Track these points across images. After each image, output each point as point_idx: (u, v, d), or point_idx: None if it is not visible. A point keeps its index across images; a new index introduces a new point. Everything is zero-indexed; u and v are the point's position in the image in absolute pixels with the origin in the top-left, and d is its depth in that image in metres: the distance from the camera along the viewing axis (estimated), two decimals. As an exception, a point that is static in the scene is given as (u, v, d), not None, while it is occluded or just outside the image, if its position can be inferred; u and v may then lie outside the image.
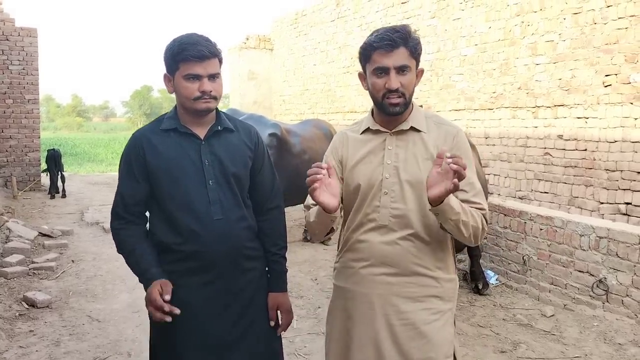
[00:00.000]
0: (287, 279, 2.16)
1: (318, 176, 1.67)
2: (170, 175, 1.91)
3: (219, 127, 1.99)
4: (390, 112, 1.83)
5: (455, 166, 1.56)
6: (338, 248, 2.04)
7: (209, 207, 1.91)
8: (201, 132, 1.96)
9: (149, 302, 1.84)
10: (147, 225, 2.03)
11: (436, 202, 1.66)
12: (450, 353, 1.85)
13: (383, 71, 1.80)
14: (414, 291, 1.83)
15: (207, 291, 1.92)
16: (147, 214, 2.05)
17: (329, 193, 1.71)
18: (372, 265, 1.86)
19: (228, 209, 1.94)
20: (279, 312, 2.12)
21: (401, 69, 1.80)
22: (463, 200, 1.78)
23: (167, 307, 1.78)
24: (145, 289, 1.90)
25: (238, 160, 1.99)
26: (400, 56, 1.79)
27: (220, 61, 1.94)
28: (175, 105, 2.00)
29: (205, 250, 1.89)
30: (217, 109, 2.00)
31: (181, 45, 1.87)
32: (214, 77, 1.89)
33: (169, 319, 1.80)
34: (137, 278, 1.97)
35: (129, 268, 1.99)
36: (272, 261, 2.11)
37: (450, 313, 1.89)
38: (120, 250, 1.99)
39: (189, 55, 1.85)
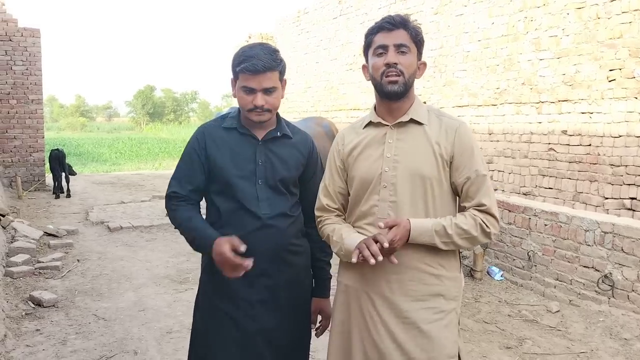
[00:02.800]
0: (330, 286, 2.22)
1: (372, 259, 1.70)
2: (226, 169, 2.00)
3: (278, 133, 2.07)
4: (389, 91, 1.81)
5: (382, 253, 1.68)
6: None
7: (257, 204, 1.98)
8: (260, 135, 2.04)
9: (221, 260, 1.85)
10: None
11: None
12: (454, 353, 1.82)
13: (383, 49, 1.82)
14: (415, 289, 1.81)
15: (252, 285, 1.98)
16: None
17: None
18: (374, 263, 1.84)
19: (275, 206, 2.01)
20: (319, 316, 2.22)
21: (400, 48, 1.81)
22: (475, 206, 1.81)
23: (243, 262, 1.82)
24: (203, 250, 1.95)
25: (290, 165, 2.07)
26: (399, 36, 1.81)
27: (282, 72, 1.99)
28: (239, 107, 2.07)
29: (251, 244, 1.91)
30: (278, 115, 2.09)
31: (241, 57, 1.95)
32: (269, 90, 1.95)
33: (242, 272, 1.84)
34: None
35: (183, 237, 2.04)
36: (318, 267, 2.20)
37: (455, 313, 1.86)
38: (174, 221, 2.05)
39: (244, 69, 1.92)
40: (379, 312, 1.82)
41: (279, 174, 2.03)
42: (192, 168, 2.04)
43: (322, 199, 2.03)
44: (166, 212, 2.11)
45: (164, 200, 2.22)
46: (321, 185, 2.06)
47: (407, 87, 1.84)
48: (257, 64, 1.90)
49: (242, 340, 1.99)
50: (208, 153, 2.02)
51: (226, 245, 1.83)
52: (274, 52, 1.96)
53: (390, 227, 1.72)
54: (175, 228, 2.07)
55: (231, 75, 2.04)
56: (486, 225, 1.79)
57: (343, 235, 1.88)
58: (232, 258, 1.82)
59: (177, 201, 2.04)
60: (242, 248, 1.83)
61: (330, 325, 2.05)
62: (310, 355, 3.64)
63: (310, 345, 3.78)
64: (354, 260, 1.71)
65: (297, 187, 2.12)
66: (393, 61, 1.79)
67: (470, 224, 1.78)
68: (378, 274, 1.83)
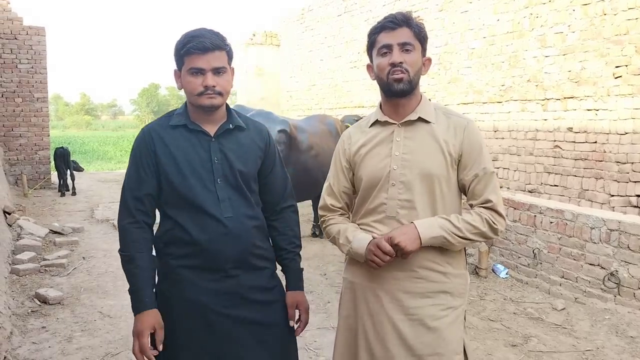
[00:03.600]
0: (303, 278, 2.12)
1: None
2: (179, 171, 1.86)
3: (230, 126, 1.93)
4: (395, 89, 1.81)
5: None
6: None
7: (218, 205, 1.86)
8: (211, 130, 1.91)
9: (138, 336, 1.80)
10: (157, 221, 1.98)
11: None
12: (459, 350, 1.82)
13: (387, 49, 1.81)
14: (422, 286, 1.81)
15: (215, 289, 1.87)
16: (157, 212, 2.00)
17: None
18: None
19: (237, 207, 1.89)
20: (297, 311, 2.07)
21: (405, 46, 1.80)
22: (482, 203, 1.81)
23: (152, 357, 1.79)
24: (133, 308, 1.85)
25: (248, 159, 1.94)
26: (403, 34, 1.80)
27: (229, 55, 1.87)
28: (185, 102, 1.96)
29: (214, 247, 1.84)
30: (227, 106, 1.96)
31: (186, 38, 1.83)
32: (218, 71, 1.83)
33: (151, 357, 1.80)
34: None
35: (122, 270, 1.94)
36: (287, 259, 2.07)
37: (461, 309, 1.86)
38: (121, 250, 1.93)
39: (191, 48, 1.80)
40: (385, 308, 1.82)
41: (238, 170, 1.90)
42: (142, 174, 1.89)
43: (326, 198, 2.02)
44: (119, 231, 1.95)
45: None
46: (325, 184, 2.05)
47: (413, 85, 1.84)
48: (205, 42, 1.79)
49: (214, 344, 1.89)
50: (157, 155, 1.87)
51: (147, 334, 1.79)
52: (219, 33, 1.87)
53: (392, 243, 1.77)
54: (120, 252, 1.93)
55: (174, 68, 1.91)
56: (493, 222, 1.80)
57: (349, 237, 1.88)
58: (146, 345, 1.78)
59: (128, 221, 1.90)
60: (159, 348, 1.80)
61: (337, 325, 2.02)
62: (315, 353, 3.66)
63: (315, 343, 3.79)
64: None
65: (257, 184, 2.00)
66: (398, 61, 1.79)
67: (477, 220, 1.79)
68: (384, 271, 1.83)
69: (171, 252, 1.90)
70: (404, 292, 1.81)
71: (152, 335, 1.83)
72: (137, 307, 1.84)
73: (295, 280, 2.07)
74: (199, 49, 1.79)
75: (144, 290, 1.85)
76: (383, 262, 1.75)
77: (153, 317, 1.83)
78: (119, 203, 2.03)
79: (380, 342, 1.82)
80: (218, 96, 1.84)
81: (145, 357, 1.80)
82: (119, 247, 1.94)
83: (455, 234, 1.77)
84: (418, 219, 1.80)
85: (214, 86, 1.82)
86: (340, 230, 1.93)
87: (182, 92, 1.97)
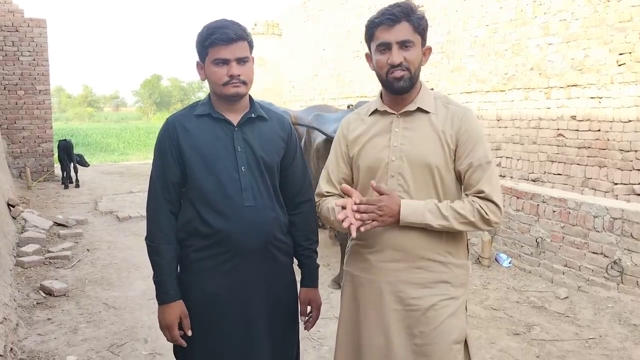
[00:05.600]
0: (318, 275, 2.15)
1: (348, 220, 1.71)
2: (203, 159, 1.89)
3: (253, 115, 1.96)
4: (396, 88, 1.79)
5: (358, 215, 1.70)
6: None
7: (240, 193, 1.88)
8: (234, 119, 1.94)
9: (166, 327, 1.91)
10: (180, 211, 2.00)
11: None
12: (460, 339, 1.83)
13: (386, 47, 1.77)
14: (423, 277, 1.80)
15: (234, 279, 1.90)
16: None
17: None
18: (380, 251, 1.84)
19: (259, 197, 1.91)
20: (308, 307, 2.12)
21: (404, 44, 1.76)
22: (475, 193, 1.78)
23: (184, 343, 1.92)
24: (158, 297, 1.93)
25: (270, 149, 1.96)
26: (402, 31, 1.76)
27: (250, 45, 1.90)
28: (209, 93, 1.99)
29: (235, 236, 1.86)
30: (250, 97, 1.99)
31: (209, 30, 1.85)
32: (242, 60, 1.86)
33: (183, 343, 1.92)
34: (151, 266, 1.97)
35: (148, 257, 1.98)
36: (304, 256, 2.09)
37: (462, 299, 1.86)
38: (148, 240, 1.96)
39: (216, 40, 1.82)
40: (386, 299, 1.82)
41: (260, 159, 1.92)
42: (167, 164, 1.92)
43: (322, 185, 2.00)
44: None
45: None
46: (323, 172, 2.03)
47: (414, 81, 1.82)
48: (229, 33, 1.82)
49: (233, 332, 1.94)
50: (181, 144, 1.90)
51: (176, 323, 1.90)
52: (240, 23, 1.89)
53: (381, 194, 1.75)
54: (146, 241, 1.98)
55: (197, 59, 1.94)
56: (485, 212, 1.75)
57: (330, 207, 1.90)
58: (177, 336, 1.91)
59: (155, 206, 1.94)
60: (189, 333, 1.91)
61: (338, 318, 2.02)
62: (319, 343, 3.68)
63: (318, 333, 3.80)
64: (345, 225, 1.71)
65: (279, 175, 2.01)
66: (397, 61, 1.76)
67: (468, 209, 1.76)
68: (385, 262, 1.83)
69: (191, 243, 1.93)
70: (404, 282, 1.81)
71: (179, 324, 1.92)
72: (162, 298, 1.92)
73: (311, 277, 2.12)
74: (223, 40, 1.82)
75: (169, 282, 1.92)
76: (354, 218, 1.71)
77: (178, 308, 1.91)
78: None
79: (382, 333, 1.82)
80: (243, 85, 1.87)
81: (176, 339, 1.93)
82: (146, 234, 1.98)
83: (440, 223, 1.75)
84: None
85: (239, 75, 1.85)
86: (329, 206, 1.91)
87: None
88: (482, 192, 1.77)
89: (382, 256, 1.83)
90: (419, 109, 1.85)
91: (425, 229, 1.78)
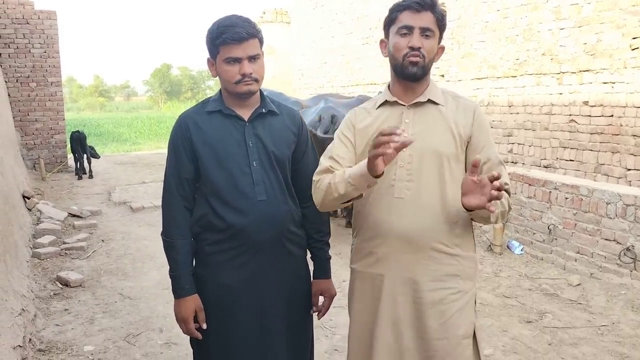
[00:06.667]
0: (330, 266, 2.17)
1: (389, 148, 1.52)
2: (216, 155, 1.92)
3: (263, 110, 1.98)
4: (409, 72, 1.79)
5: (496, 193, 1.54)
6: (352, 228, 2.01)
7: (253, 188, 1.91)
8: (245, 114, 1.96)
9: (182, 321, 1.97)
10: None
11: (469, 209, 1.67)
12: (469, 333, 1.83)
13: (408, 30, 1.78)
14: (431, 269, 1.80)
15: (248, 272, 1.93)
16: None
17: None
18: (387, 244, 1.82)
19: (272, 191, 1.94)
20: (321, 297, 2.16)
21: (425, 32, 1.78)
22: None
23: (199, 335, 1.97)
24: (174, 291, 1.99)
25: (281, 143, 1.99)
26: (426, 18, 1.78)
27: (261, 41, 1.92)
28: (220, 89, 2.01)
29: (248, 230, 1.89)
30: (261, 91, 2.00)
31: (220, 29, 1.86)
32: (254, 58, 1.88)
33: (199, 335, 1.98)
34: (165, 257, 2.02)
35: (164, 251, 2.03)
36: (315, 248, 2.13)
37: (472, 293, 1.86)
38: (164, 235, 2.00)
39: (227, 39, 1.83)
40: (395, 294, 1.82)
41: (272, 153, 1.95)
42: (180, 160, 1.95)
43: (323, 162, 1.88)
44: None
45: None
46: (324, 154, 1.93)
47: (426, 71, 1.83)
48: (241, 32, 1.83)
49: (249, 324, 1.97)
50: (193, 141, 1.93)
51: (192, 316, 1.96)
52: (250, 20, 1.90)
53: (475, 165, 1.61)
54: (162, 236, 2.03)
55: (207, 56, 1.94)
56: (510, 205, 1.81)
57: (339, 174, 1.75)
58: (192, 329, 1.97)
59: (169, 201, 1.98)
60: (204, 326, 1.96)
61: (349, 315, 2.01)
62: (331, 331, 3.71)
63: (331, 322, 3.84)
64: (390, 148, 1.51)
65: (290, 169, 2.04)
66: (417, 45, 1.77)
67: (505, 199, 1.77)
68: (393, 257, 1.82)
69: (206, 237, 1.96)
70: (413, 277, 1.81)
71: (194, 317, 1.98)
72: (178, 292, 1.98)
73: (323, 269, 2.15)
74: (235, 40, 1.83)
75: (185, 276, 1.97)
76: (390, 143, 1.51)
77: (194, 302, 1.96)
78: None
79: (393, 329, 1.82)
80: (255, 82, 1.90)
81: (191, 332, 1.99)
82: (161, 230, 2.03)
83: (500, 209, 1.75)
84: (427, 202, 1.79)
85: (250, 73, 1.87)
86: (332, 176, 1.79)
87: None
88: (506, 184, 1.80)
89: (389, 249, 1.82)
90: (430, 101, 1.86)
91: (433, 219, 1.78)
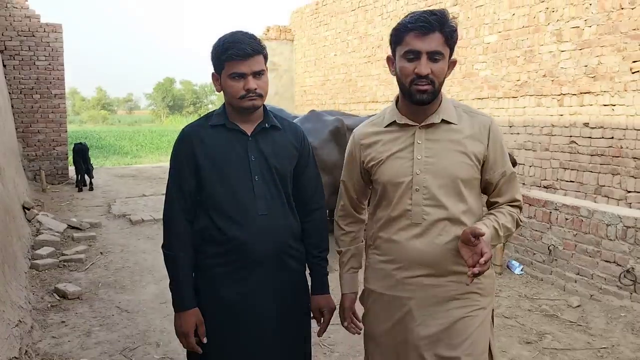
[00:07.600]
0: (328, 282, 2.17)
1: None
2: (218, 169, 1.93)
3: (266, 125, 2.00)
4: (417, 100, 1.72)
5: (477, 270, 1.59)
6: (366, 246, 1.99)
7: (254, 202, 1.92)
8: (248, 129, 1.98)
9: (182, 335, 1.95)
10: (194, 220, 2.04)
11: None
12: (486, 349, 1.82)
13: (414, 55, 1.69)
14: (453, 289, 1.78)
15: (247, 286, 1.93)
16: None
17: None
18: (406, 268, 1.80)
19: (273, 205, 1.95)
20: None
21: (433, 55, 1.68)
22: (509, 201, 1.85)
23: (200, 350, 1.95)
24: (174, 304, 1.98)
25: (284, 157, 2.00)
26: (434, 41, 1.68)
27: (265, 57, 1.94)
28: (224, 103, 2.02)
29: (249, 244, 1.90)
30: (264, 107, 2.02)
31: (225, 45, 1.88)
32: (258, 74, 1.90)
33: (199, 350, 1.96)
34: (164, 270, 2.01)
35: (164, 264, 2.02)
36: (314, 264, 2.12)
37: (489, 309, 1.85)
38: (165, 248, 2.00)
39: (233, 54, 1.86)
40: (423, 315, 1.79)
41: (274, 168, 1.96)
42: (183, 173, 1.97)
43: (344, 199, 2.05)
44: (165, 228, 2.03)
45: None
46: (341, 187, 2.04)
47: (436, 94, 1.75)
48: (246, 48, 1.85)
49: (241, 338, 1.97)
50: (196, 154, 1.94)
51: (192, 330, 1.94)
52: (255, 36, 1.93)
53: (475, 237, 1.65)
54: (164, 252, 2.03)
55: (212, 71, 1.97)
56: (519, 220, 1.84)
57: (345, 257, 2.06)
58: (193, 343, 1.94)
59: (171, 215, 1.99)
60: (204, 340, 1.95)
61: (366, 334, 2.00)
62: (330, 349, 3.69)
63: (329, 339, 3.81)
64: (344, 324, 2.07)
65: (292, 184, 2.06)
66: (424, 72, 1.68)
67: (510, 222, 1.81)
68: (416, 281, 1.80)
69: (206, 250, 1.97)
70: (435, 297, 1.78)
71: (195, 331, 1.97)
72: (179, 306, 1.98)
73: (321, 284, 2.14)
74: (240, 56, 1.86)
75: (185, 290, 1.97)
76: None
77: (194, 316, 1.95)
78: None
79: (416, 351, 1.80)
80: (259, 98, 1.92)
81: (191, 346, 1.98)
82: (162, 243, 2.03)
83: (495, 243, 1.78)
84: (446, 225, 1.76)
85: (255, 89, 1.89)
86: (344, 260, 2.07)
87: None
88: (517, 200, 1.84)
89: (409, 273, 1.79)
90: (443, 121, 1.80)
91: (453, 242, 1.76)
